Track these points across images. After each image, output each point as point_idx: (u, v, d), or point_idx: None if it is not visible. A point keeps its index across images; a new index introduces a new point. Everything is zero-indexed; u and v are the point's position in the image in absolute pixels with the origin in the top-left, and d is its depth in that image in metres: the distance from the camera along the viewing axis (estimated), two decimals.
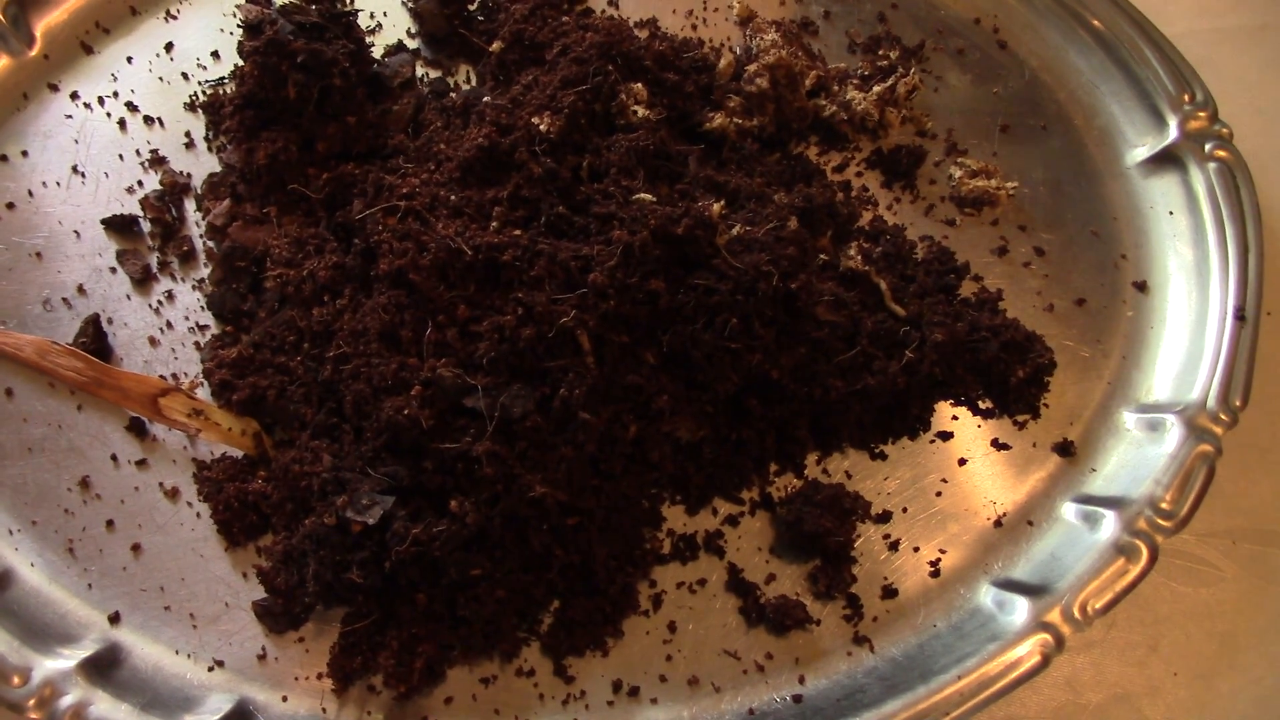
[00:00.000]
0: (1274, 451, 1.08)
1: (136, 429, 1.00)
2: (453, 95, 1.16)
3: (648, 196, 0.95)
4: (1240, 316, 1.05)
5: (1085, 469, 1.04)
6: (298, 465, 0.92)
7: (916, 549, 0.99)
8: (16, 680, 0.86)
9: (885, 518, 1.00)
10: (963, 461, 1.03)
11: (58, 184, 1.12)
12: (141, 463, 0.99)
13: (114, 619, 0.93)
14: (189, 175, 1.13)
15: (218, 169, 1.13)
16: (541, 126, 0.99)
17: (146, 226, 1.10)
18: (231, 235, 1.06)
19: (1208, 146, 1.14)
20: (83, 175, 1.12)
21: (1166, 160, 1.17)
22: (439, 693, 0.90)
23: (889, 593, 0.97)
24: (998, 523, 1.01)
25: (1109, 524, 0.97)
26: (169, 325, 1.05)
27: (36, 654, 0.88)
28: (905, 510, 1.00)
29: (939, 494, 1.01)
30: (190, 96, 1.17)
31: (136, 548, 0.96)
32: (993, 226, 1.16)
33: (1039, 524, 1.01)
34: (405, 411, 0.86)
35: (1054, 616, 0.92)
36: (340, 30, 1.08)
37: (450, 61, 1.22)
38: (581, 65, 1.04)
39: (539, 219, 0.95)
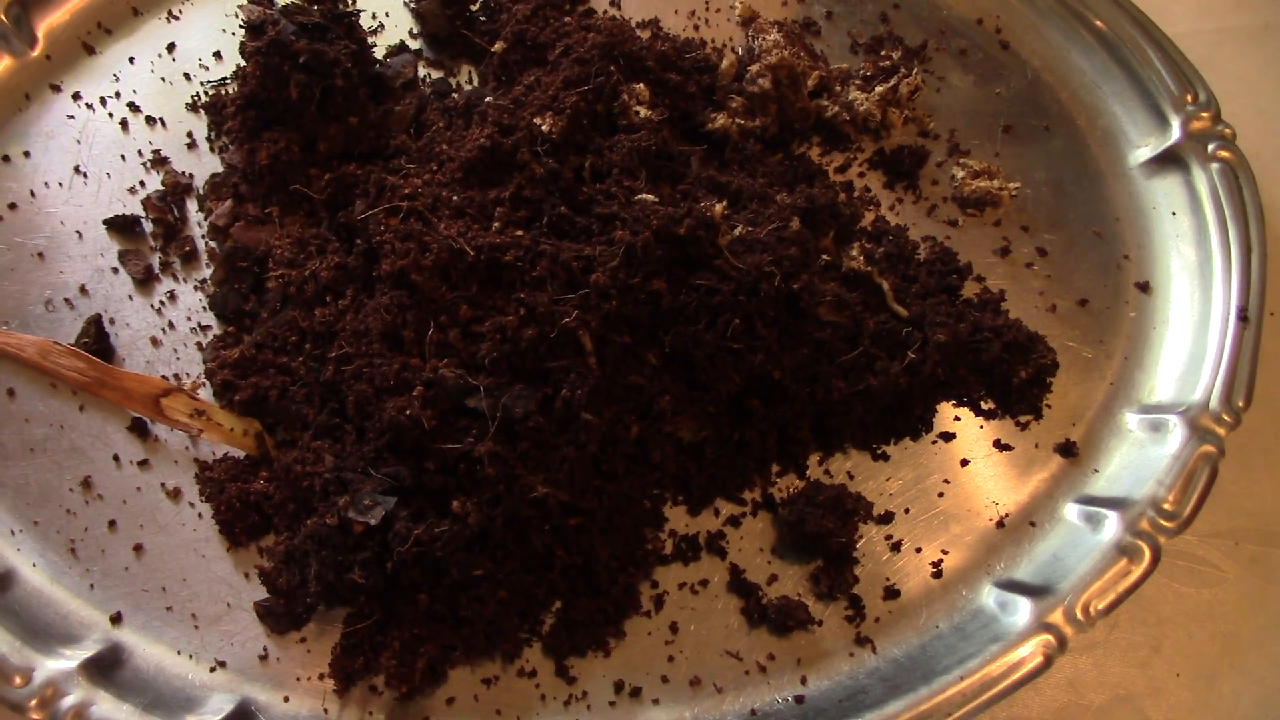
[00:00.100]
0: (1276, 452, 1.08)
1: (138, 429, 1.00)
2: (455, 96, 1.16)
3: (650, 197, 0.95)
4: (1243, 317, 1.05)
5: (1088, 470, 1.04)
6: (300, 466, 0.92)
7: (919, 550, 0.99)
8: (18, 680, 0.86)
9: (887, 518, 1.00)
10: (965, 462, 1.03)
11: (60, 184, 1.12)
12: (143, 463, 0.99)
13: (116, 619, 0.93)
14: (191, 175, 1.13)
15: (220, 169, 1.13)
16: (544, 127, 0.99)
17: (149, 227, 1.10)
18: (234, 235, 1.07)
19: (1210, 147, 1.14)
20: (85, 176, 1.12)
21: (1169, 161, 1.16)
22: (441, 693, 0.90)
23: (891, 593, 0.97)
24: (1000, 523, 1.01)
25: (1111, 525, 0.97)
26: (171, 326, 1.05)
27: (38, 654, 0.88)
28: (907, 511, 1.00)
29: (941, 495, 1.01)
30: (192, 97, 1.17)
31: (138, 548, 0.96)
32: (995, 227, 1.16)
33: (1041, 525, 1.01)
34: (407, 412, 0.86)
35: (1056, 617, 0.92)
36: (342, 31, 1.08)
37: (452, 62, 1.22)
38: (584, 66, 1.04)
39: (541, 219, 0.95)
